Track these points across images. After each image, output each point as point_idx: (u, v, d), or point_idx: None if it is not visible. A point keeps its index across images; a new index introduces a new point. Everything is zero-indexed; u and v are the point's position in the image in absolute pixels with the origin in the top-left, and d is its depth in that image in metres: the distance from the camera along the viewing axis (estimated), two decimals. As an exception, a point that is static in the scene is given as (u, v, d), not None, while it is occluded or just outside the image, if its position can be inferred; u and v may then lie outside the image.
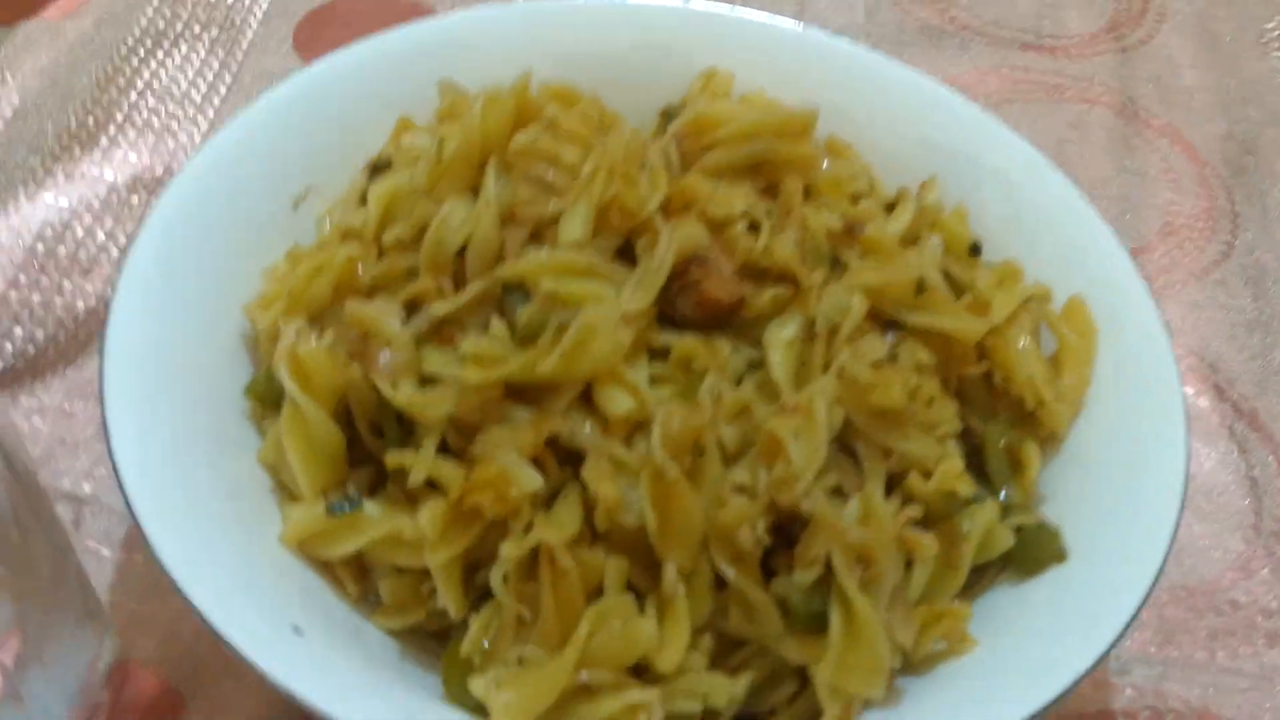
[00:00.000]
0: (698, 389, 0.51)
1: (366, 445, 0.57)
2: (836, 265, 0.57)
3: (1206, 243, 0.84)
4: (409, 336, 0.56)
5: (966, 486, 0.53)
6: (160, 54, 0.90)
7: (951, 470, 0.53)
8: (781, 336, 0.54)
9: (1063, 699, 0.48)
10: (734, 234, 0.56)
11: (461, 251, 0.58)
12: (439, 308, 0.56)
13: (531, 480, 0.49)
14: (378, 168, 0.62)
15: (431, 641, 0.55)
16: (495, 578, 0.49)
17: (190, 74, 0.89)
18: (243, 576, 0.51)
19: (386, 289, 0.58)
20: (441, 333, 0.57)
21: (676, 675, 0.47)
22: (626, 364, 0.51)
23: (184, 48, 0.91)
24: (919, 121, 0.69)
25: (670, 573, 0.48)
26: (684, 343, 0.52)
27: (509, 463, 0.50)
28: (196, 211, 0.61)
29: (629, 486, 0.49)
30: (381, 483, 0.57)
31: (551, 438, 0.51)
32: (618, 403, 0.50)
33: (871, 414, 0.52)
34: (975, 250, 0.63)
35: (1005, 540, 0.54)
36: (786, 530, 0.50)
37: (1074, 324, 0.60)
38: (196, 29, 0.93)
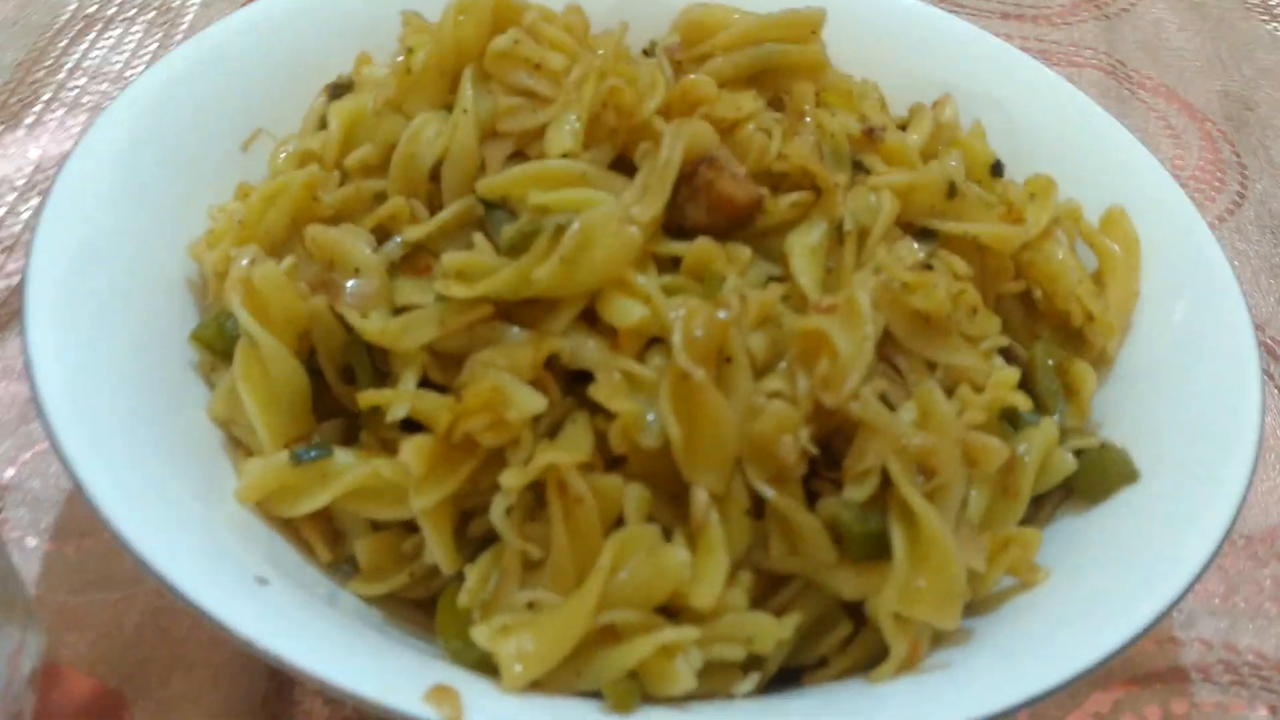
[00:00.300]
0: (716, 296, 0.44)
1: (335, 394, 0.50)
2: (859, 170, 0.51)
3: (1216, 193, 0.80)
4: (380, 262, 0.49)
5: (1024, 400, 0.46)
6: (92, 35, 0.83)
7: (1006, 381, 0.46)
8: (805, 243, 0.47)
9: (1146, 633, 0.41)
10: (745, 135, 0.50)
11: (436, 174, 0.51)
12: (412, 232, 0.49)
13: (532, 401, 0.42)
14: (339, 88, 0.56)
15: (418, 612, 0.47)
16: (496, 512, 0.41)
17: (126, 55, 0.82)
18: (198, 537, 0.43)
19: (351, 216, 0.51)
20: (415, 262, 0.50)
21: (714, 615, 0.40)
22: (636, 271, 0.45)
23: (119, 30, 0.84)
24: (924, 51, 0.64)
25: (701, 496, 0.41)
26: (698, 247, 0.46)
27: (505, 383, 0.43)
28: (129, 148, 0.53)
29: (646, 403, 0.42)
30: (353, 437, 0.49)
31: (551, 359, 0.44)
32: (627, 312, 0.44)
33: (913, 321, 0.46)
34: (997, 170, 0.58)
35: (1066, 465, 0.48)
36: (828, 450, 0.43)
37: (1115, 235, 0.54)
38: (132, 12, 0.86)
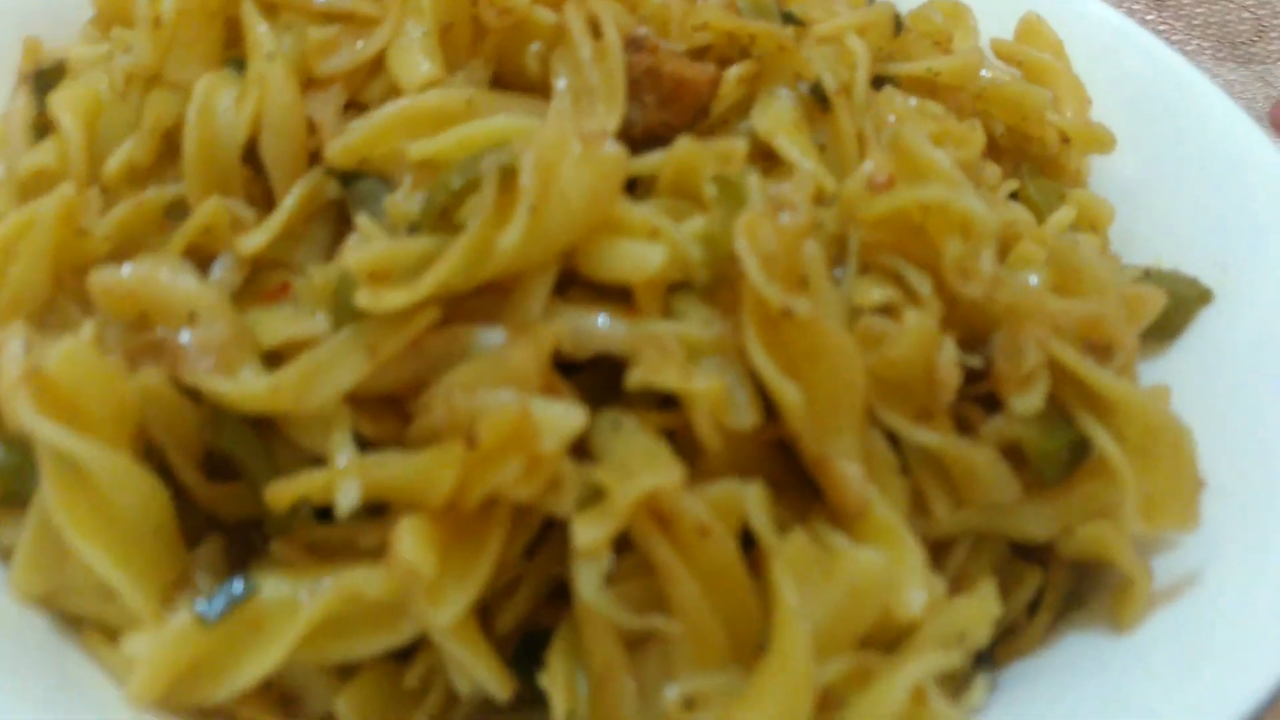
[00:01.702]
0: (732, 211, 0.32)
1: (198, 501, 0.33)
2: (789, 23, 0.40)
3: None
4: (217, 297, 0.33)
5: (1098, 241, 0.38)
6: None
7: (1063, 223, 0.38)
8: (780, 120, 0.36)
9: None
10: (654, 8, 0.37)
11: (248, 156, 0.35)
12: (250, 240, 0.34)
13: (569, 417, 0.29)
14: (45, 76, 0.38)
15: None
16: (589, 586, 0.28)
17: None
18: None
19: (141, 244, 0.34)
20: (262, 282, 0.35)
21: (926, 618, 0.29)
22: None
23: None
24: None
25: (852, 470, 0.29)
26: (678, 153, 0.33)
27: (522, 405, 0.29)
28: None
29: (719, 372, 0.30)
30: (241, 561, 0.33)
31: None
32: (641, 258, 0.31)
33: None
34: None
35: (1126, 307, 0.40)
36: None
37: (1039, 44, 0.47)
38: None
